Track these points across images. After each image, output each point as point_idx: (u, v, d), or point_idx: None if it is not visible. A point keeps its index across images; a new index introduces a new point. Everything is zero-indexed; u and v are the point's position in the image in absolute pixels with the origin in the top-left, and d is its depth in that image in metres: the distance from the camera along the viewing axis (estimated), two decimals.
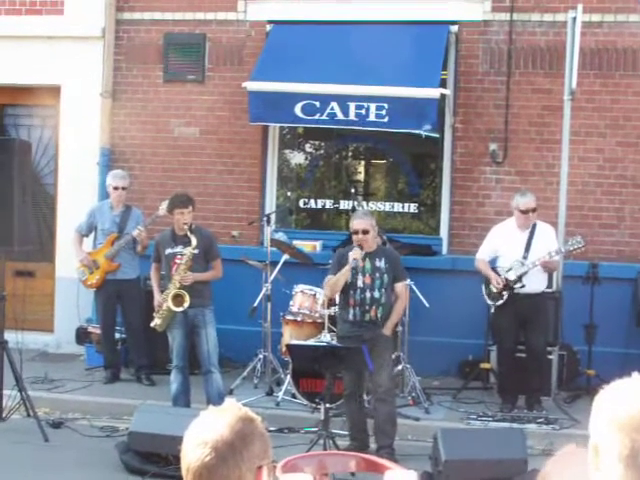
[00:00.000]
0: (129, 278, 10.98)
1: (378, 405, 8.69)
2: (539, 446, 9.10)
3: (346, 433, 8.89)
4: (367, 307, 8.71)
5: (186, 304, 9.26)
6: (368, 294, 8.70)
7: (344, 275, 8.63)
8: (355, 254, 8.57)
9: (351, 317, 8.73)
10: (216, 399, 9.07)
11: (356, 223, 8.77)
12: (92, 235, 11.16)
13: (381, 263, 8.77)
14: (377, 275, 8.73)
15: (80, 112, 12.40)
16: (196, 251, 9.33)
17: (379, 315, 8.72)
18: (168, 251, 9.46)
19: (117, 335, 11.35)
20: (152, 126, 12.38)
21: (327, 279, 8.93)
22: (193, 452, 2.36)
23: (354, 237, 8.74)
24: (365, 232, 8.67)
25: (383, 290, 8.74)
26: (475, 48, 11.61)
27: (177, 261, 9.39)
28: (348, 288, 8.72)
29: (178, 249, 9.41)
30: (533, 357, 10.05)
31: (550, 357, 10.39)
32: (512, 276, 9.85)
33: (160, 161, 12.34)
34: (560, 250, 9.84)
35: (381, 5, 11.74)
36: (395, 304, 8.88)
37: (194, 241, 9.27)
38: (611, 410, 2.38)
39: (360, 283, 8.71)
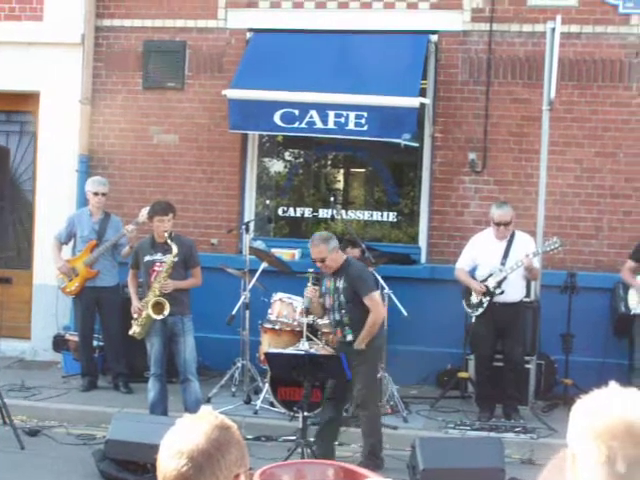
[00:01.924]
0: (108, 285, 10.94)
1: (358, 413, 8.73)
2: (517, 455, 9.13)
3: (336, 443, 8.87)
4: (334, 329, 8.78)
5: (166, 312, 9.22)
6: (332, 316, 8.72)
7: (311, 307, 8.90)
8: (308, 293, 8.69)
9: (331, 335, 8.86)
10: (194, 407, 8.99)
11: (311, 252, 8.61)
12: (71, 242, 11.11)
13: (340, 283, 8.58)
14: (336, 296, 8.62)
15: (59, 119, 12.35)
16: (176, 259, 9.31)
17: (347, 336, 8.61)
18: (147, 258, 9.43)
19: (95, 342, 11.30)
20: (131, 133, 12.36)
21: (308, 290, 9.03)
22: (169, 462, 2.34)
23: (318, 264, 8.67)
24: (322, 260, 8.49)
25: (343, 311, 8.59)
26: (455, 58, 11.64)
27: (156, 268, 9.36)
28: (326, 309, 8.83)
29: (157, 256, 9.38)
30: (511, 366, 10.08)
31: (528, 366, 10.41)
32: (492, 282, 9.88)
33: (139, 168, 12.31)
34: (537, 251, 9.87)
35: (361, 14, 11.77)
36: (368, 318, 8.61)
37: (175, 249, 9.25)
38: (588, 418, 2.40)
39: (327, 304, 8.72)
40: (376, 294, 8.74)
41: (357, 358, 8.47)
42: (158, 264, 9.36)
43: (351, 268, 8.64)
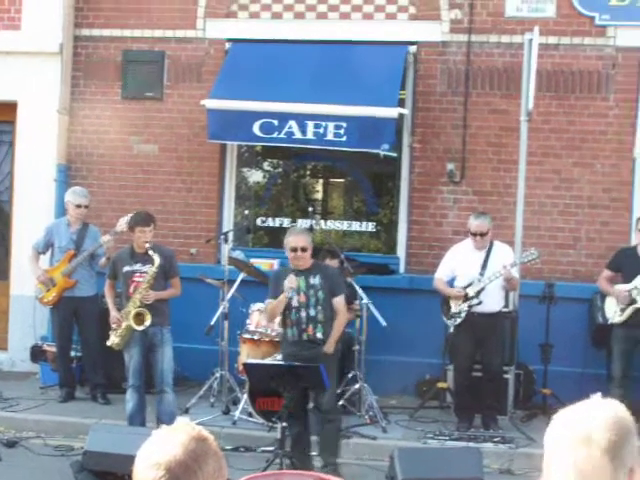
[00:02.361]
0: (86, 295, 10.89)
1: (324, 424, 8.65)
2: (495, 465, 9.14)
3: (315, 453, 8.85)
4: (304, 326, 8.63)
5: (147, 322, 9.19)
6: (304, 313, 8.62)
7: (281, 302, 8.53)
8: (291, 283, 8.47)
9: (290, 337, 8.69)
10: (167, 419, 9.02)
11: (294, 240, 8.64)
12: (49, 252, 11.06)
13: (315, 280, 8.65)
14: (312, 292, 8.63)
15: (37, 128, 12.30)
16: (157, 270, 9.28)
17: (317, 333, 8.63)
18: (126, 269, 9.38)
19: (72, 353, 11.25)
20: (110, 143, 12.32)
21: (267, 303, 8.87)
22: (146, 473, 2.32)
23: (291, 255, 8.63)
24: (304, 249, 8.59)
25: (319, 307, 8.63)
26: (433, 68, 11.68)
27: (136, 279, 9.32)
28: (284, 308, 8.64)
29: (137, 267, 9.35)
30: (490, 376, 10.09)
31: (506, 376, 10.44)
32: (470, 293, 9.90)
33: (118, 178, 12.28)
34: (515, 262, 9.90)
35: (340, 25, 11.80)
36: (336, 319, 8.73)
37: (157, 260, 9.21)
38: (556, 431, 2.42)
39: (295, 302, 8.62)
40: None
41: (325, 360, 8.50)
42: (138, 275, 9.32)
43: (325, 267, 8.98)
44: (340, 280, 8.99)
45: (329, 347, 8.65)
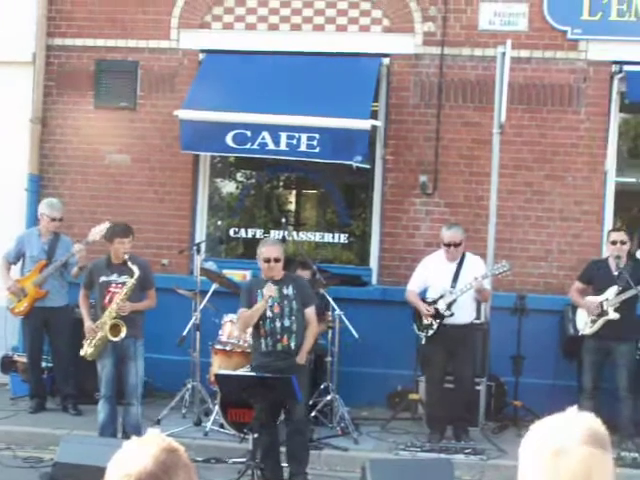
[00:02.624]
0: (57, 306, 10.83)
1: (294, 434, 8.66)
2: (467, 476, 9.17)
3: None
4: (278, 336, 8.65)
5: (123, 334, 9.14)
6: (278, 323, 8.65)
7: (258, 310, 8.56)
8: (270, 292, 8.51)
9: (263, 347, 8.69)
10: (132, 431, 9.00)
11: (267, 250, 8.70)
12: (20, 262, 10.99)
13: (289, 290, 8.71)
14: (285, 303, 8.67)
15: (9, 138, 12.25)
16: (136, 282, 9.24)
17: (292, 344, 8.66)
18: (102, 279, 9.34)
19: (43, 364, 11.18)
20: (82, 153, 12.28)
21: (239, 312, 8.86)
22: None
23: (264, 265, 8.67)
24: (277, 260, 8.65)
25: (293, 318, 8.67)
26: (406, 81, 11.72)
27: (112, 290, 9.27)
28: (258, 319, 8.66)
29: (113, 277, 9.31)
30: (461, 388, 10.11)
31: (478, 388, 10.47)
32: (442, 305, 9.92)
33: (90, 188, 12.24)
34: (487, 274, 9.93)
35: (314, 36, 11.82)
36: (307, 330, 8.79)
37: (136, 272, 9.17)
38: (531, 443, 2.43)
39: (269, 313, 8.64)
40: None
41: (297, 371, 8.57)
42: (114, 285, 9.28)
43: (297, 277, 9.13)
44: (311, 291, 9.06)
45: (301, 358, 8.72)
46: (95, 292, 9.48)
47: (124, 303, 9.19)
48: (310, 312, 8.80)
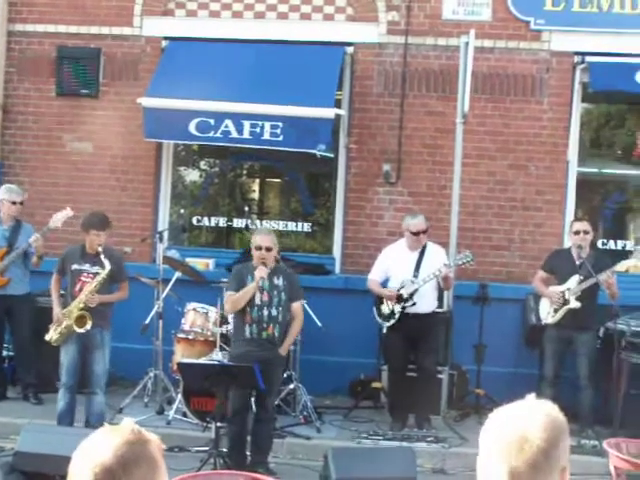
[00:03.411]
0: (19, 294, 10.73)
1: (263, 424, 8.71)
2: (428, 464, 9.21)
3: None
4: (264, 325, 8.67)
5: (88, 326, 9.08)
6: (266, 312, 8.67)
7: (249, 292, 8.60)
8: (261, 273, 8.57)
9: (247, 334, 8.69)
10: (95, 420, 9.04)
11: (260, 239, 8.77)
12: None
13: (279, 281, 8.79)
14: (275, 293, 8.73)
15: None
16: (106, 276, 9.19)
17: (276, 333, 8.72)
18: (75, 267, 9.27)
19: (4, 352, 11.09)
20: (44, 140, 12.19)
21: (228, 295, 8.86)
22: (77, 476, 2.30)
23: (256, 253, 8.72)
24: (269, 249, 8.70)
25: (280, 308, 8.74)
26: (370, 70, 11.72)
27: (83, 278, 9.22)
28: (245, 305, 8.67)
29: (85, 267, 9.24)
30: (423, 376, 10.15)
31: (440, 376, 10.52)
32: (404, 293, 9.95)
33: (52, 176, 12.15)
34: (449, 265, 9.97)
35: (277, 25, 11.80)
36: (292, 324, 8.89)
37: (108, 266, 9.12)
38: (492, 430, 2.44)
39: (258, 300, 8.67)
40: None
41: (280, 362, 8.80)
42: (85, 275, 9.22)
43: (287, 270, 9.17)
44: (300, 287, 9.12)
45: (284, 349, 8.86)
46: (67, 279, 9.43)
47: (92, 295, 9.14)
48: (298, 307, 8.93)
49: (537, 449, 2.36)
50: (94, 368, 9.29)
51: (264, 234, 8.98)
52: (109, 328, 9.41)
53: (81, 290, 9.18)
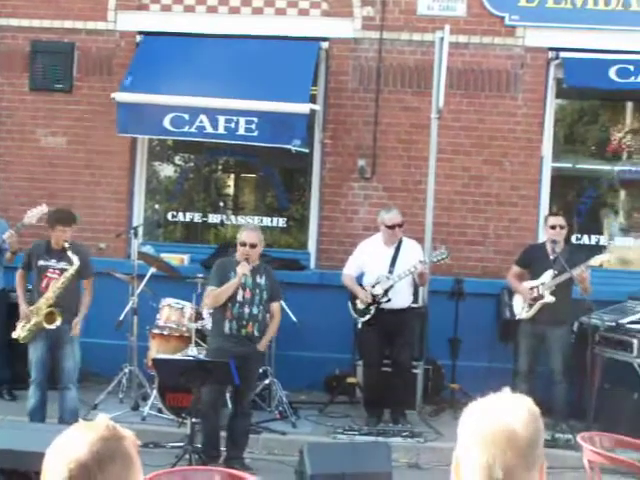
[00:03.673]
0: None
1: (239, 420, 8.73)
2: (404, 459, 9.23)
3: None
4: (244, 322, 8.67)
5: (58, 322, 9.05)
6: (247, 309, 8.67)
7: (231, 288, 8.59)
8: (244, 270, 8.56)
9: (226, 330, 8.67)
10: (68, 416, 8.99)
11: (246, 235, 8.76)
12: None
13: (262, 280, 8.80)
14: (257, 291, 8.73)
15: None
16: (74, 272, 9.15)
17: (255, 331, 8.72)
18: (41, 263, 9.23)
19: None
20: (18, 135, 12.12)
21: (209, 289, 8.83)
22: (52, 472, 2.29)
23: (241, 249, 8.70)
24: (253, 246, 8.69)
25: (261, 307, 8.75)
26: (345, 65, 11.72)
27: (49, 274, 9.17)
28: (227, 301, 8.66)
29: (52, 262, 9.20)
30: (399, 371, 10.17)
31: (415, 371, 10.54)
32: (378, 290, 9.96)
33: (25, 171, 12.08)
34: (425, 261, 9.98)
35: (252, 20, 11.77)
36: (271, 322, 8.93)
37: (76, 262, 9.08)
38: (474, 423, 2.44)
39: (240, 297, 8.67)
40: None
41: (257, 358, 8.85)
42: (51, 270, 9.18)
43: (270, 269, 9.13)
44: (280, 287, 9.16)
45: (263, 345, 8.90)
46: (33, 275, 9.38)
47: (61, 291, 9.07)
48: (277, 306, 8.99)
49: (525, 442, 2.37)
50: (64, 364, 9.24)
51: (250, 230, 8.98)
52: None
53: (48, 286, 9.14)
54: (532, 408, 2.47)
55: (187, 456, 8.08)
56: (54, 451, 2.33)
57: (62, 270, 9.15)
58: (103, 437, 2.33)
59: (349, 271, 10.32)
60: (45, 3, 12.06)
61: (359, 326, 10.22)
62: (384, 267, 10.04)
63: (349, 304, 10.23)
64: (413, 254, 10.06)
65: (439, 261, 10.11)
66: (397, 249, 10.13)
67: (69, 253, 9.09)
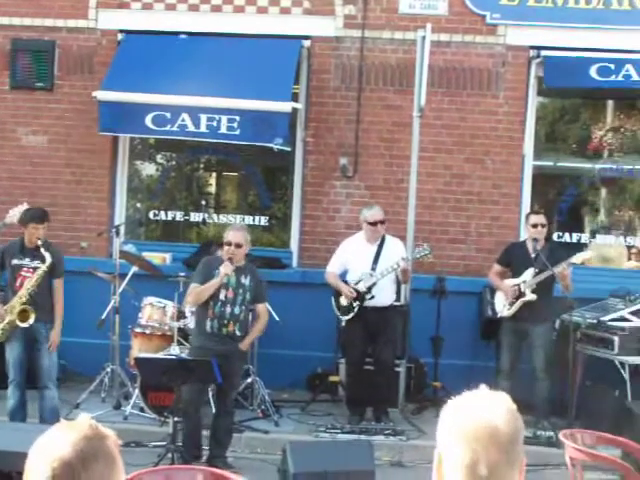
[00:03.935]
0: None
1: (222, 419, 8.72)
2: (386, 457, 9.24)
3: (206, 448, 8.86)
4: (225, 321, 8.65)
5: (31, 320, 9.01)
6: (228, 308, 8.65)
7: (213, 286, 8.56)
8: (226, 269, 8.53)
9: (208, 329, 8.65)
10: (50, 416, 8.94)
11: (232, 235, 8.73)
12: None
13: (246, 280, 8.77)
14: (240, 291, 8.70)
15: None
16: (47, 269, 9.12)
17: (237, 331, 8.70)
18: (15, 262, 9.20)
19: None
20: None
21: (192, 287, 8.79)
22: (35, 472, 2.28)
23: (226, 248, 8.69)
24: (238, 246, 8.66)
25: (243, 307, 8.73)
26: (327, 63, 11.72)
27: (23, 273, 9.14)
28: (209, 299, 8.64)
29: (25, 261, 9.17)
30: (381, 370, 10.17)
31: (398, 369, 10.55)
32: (362, 287, 9.97)
33: (6, 170, 12.03)
34: (407, 258, 10.00)
35: (234, 18, 11.76)
36: (256, 323, 8.95)
37: (48, 259, 9.05)
38: (455, 421, 2.44)
39: (222, 296, 8.65)
40: None
41: (240, 356, 8.80)
42: (25, 269, 9.15)
43: (256, 271, 9.06)
44: (265, 289, 9.15)
45: (245, 345, 8.87)
46: (7, 274, 9.35)
47: (34, 289, 9.03)
48: (263, 307, 8.98)
49: (507, 438, 2.38)
50: (42, 362, 9.21)
51: (236, 230, 8.95)
52: (52, 322, 9.35)
53: (22, 285, 9.11)
54: (511, 405, 2.48)
55: (169, 455, 8.07)
56: (37, 451, 2.33)
57: (36, 269, 9.13)
58: (86, 436, 2.33)
59: (332, 269, 10.32)
60: (26, 1, 12.02)
61: (343, 324, 10.22)
62: (367, 265, 10.05)
63: (333, 302, 10.24)
64: (396, 252, 10.07)
65: (422, 258, 10.12)
66: (380, 247, 10.14)
67: (42, 250, 9.06)
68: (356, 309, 10.01)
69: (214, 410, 8.89)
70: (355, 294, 9.98)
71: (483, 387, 2.53)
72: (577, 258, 9.92)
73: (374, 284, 9.95)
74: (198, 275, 8.80)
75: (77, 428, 2.35)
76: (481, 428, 2.38)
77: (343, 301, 10.09)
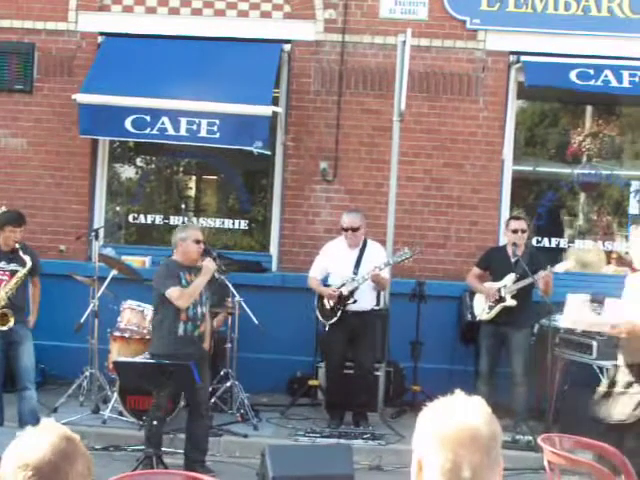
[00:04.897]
0: None
1: (200, 422, 8.66)
2: (365, 461, 9.24)
3: (178, 451, 8.82)
4: (198, 322, 8.59)
5: (11, 324, 8.98)
6: (199, 309, 8.59)
7: (201, 284, 8.48)
8: (212, 264, 8.56)
9: (181, 332, 8.53)
10: (29, 417, 8.88)
11: (195, 234, 8.66)
12: None
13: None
14: (203, 290, 8.64)
15: None
16: (27, 272, 9.09)
17: (204, 331, 8.71)
18: None
19: None
20: None
21: (176, 290, 8.40)
22: (14, 474, 2.27)
23: (196, 246, 8.62)
24: (198, 242, 8.61)
25: (205, 307, 8.71)
26: (307, 67, 11.73)
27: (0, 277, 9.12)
28: None
29: (2, 264, 9.14)
30: (361, 374, 10.18)
31: (377, 373, 10.55)
32: (345, 291, 9.97)
33: None
34: (389, 262, 10.01)
35: (215, 22, 11.75)
36: (206, 321, 8.91)
37: (29, 263, 9.05)
38: (435, 425, 2.44)
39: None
40: None
41: (207, 357, 8.89)
42: (1, 273, 9.12)
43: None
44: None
45: (208, 345, 8.92)
46: None
47: (14, 292, 9.01)
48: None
49: (487, 441, 2.39)
50: (21, 363, 9.17)
51: (195, 228, 9.04)
52: (28, 322, 9.33)
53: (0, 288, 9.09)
54: (487, 408, 2.49)
55: (148, 459, 8.04)
56: (13, 455, 2.32)
57: (12, 272, 9.10)
58: (63, 437, 2.33)
59: (314, 274, 10.32)
60: (5, 2, 11.96)
61: (326, 329, 10.20)
62: (349, 269, 10.05)
63: (316, 308, 10.24)
64: (377, 256, 10.08)
65: (404, 261, 10.13)
66: (362, 251, 10.15)
67: (20, 253, 9.05)
68: (339, 313, 10.01)
69: (188, 414, 8.80)
70: (338, 292, 9.97)
71: (458, 392, 2.54)
72: (560, 267, 9.97)
73: (356, 288, 9.96)
74: (170, 278, 8.53)
75: (50, 430, 2.34)
76: (462, 431, 2.38)
77: (327, 304, 10.08)
